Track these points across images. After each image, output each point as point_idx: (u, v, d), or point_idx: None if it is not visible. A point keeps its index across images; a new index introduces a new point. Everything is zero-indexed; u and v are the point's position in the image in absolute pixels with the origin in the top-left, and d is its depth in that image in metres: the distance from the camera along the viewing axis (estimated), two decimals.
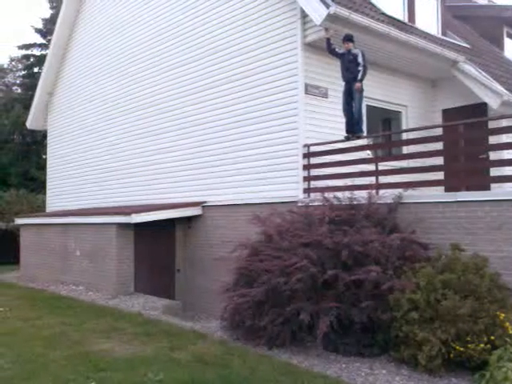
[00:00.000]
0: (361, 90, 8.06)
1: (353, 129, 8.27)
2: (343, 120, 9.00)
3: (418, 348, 5.38)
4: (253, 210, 8.45)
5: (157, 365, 5.40)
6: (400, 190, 7.07)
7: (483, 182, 7.65)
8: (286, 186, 8.67)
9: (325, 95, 8.92)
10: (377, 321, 5.80)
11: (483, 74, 9.94)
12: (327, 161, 8.34)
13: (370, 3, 9.55)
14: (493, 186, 7.65)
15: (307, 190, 8.44)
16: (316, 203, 7.60)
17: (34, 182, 26.21)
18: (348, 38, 8.05)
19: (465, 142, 7.34)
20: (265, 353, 6.05)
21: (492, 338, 5.22)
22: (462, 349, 5.21)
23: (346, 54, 8.10)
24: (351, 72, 8.03)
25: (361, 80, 7.96)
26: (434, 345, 5.22)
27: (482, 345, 5.17)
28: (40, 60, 27.86)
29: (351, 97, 8.13)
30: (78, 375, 5.12)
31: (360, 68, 7.93)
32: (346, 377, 5.30)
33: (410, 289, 5.65)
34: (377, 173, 7.81)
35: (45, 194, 16.98)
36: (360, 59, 7.93)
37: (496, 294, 5.46)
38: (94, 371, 5.24)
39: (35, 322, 7.63)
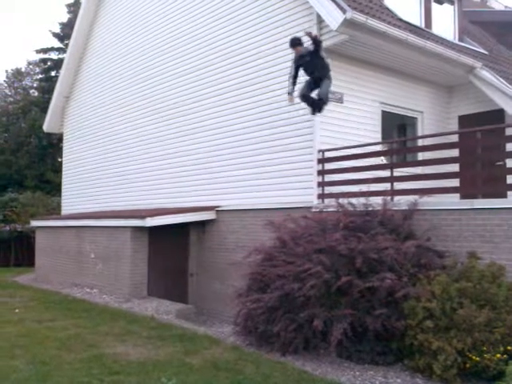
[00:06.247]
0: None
1: (319, 107, 7.74)
2: (358, 126, 9.01)
3: (433, 357, 5.32)
4: (267, 215, 8.46)
5: (170, 369, 5.42)
6: (415, 197, 7.02)
7: (500, 190, 7.55)
8: (300, 191, 8.65)
9: (340, 100, 8.89)
10: (391, 329, 5.75)
11: (501, 80, 9.84)
12: (342, 166, 8.31)
13: (387, 9, 9.51)
14: (509, 193, 7.55)
15: (321, 196, 8.41)
16: (330, 209, 7.57)
17: (50, 184, 26.48)
18: (297, 43, 7.56)
19: (481, 148, 7.26)
20: (278, 359, 6.02)
21: (509, 348, 5.16)
22: (477, 359, 5.14)
23: (303, 56, 7.55)
24: (319, 68, 7.55)
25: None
26: (450, 354, 5.16)
27: (498, 355, 5.11)
28: (57, 64, 28.19)
29: (317, 85, 7.63)
30: (92, 378, 5.15)
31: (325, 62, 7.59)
32: None
33: (425, 297, 5.59)
34: (392, 179, 7.76)
35: (60, 196, 17.16)
36: (320, 53, 7.49)
37: None
38: (108, 374, 5.27)
39: (50, 324, 7.70)
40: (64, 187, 16.40)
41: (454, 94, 11.02)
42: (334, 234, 6.39)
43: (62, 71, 16.23)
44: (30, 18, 53.59)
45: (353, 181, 8.08)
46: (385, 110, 9.69)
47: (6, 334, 7.03)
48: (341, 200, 7.30)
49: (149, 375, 5.23)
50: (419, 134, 10.40)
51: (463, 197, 8.34)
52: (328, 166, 8.45)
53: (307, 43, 7.65)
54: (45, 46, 29.71)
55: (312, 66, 7.54)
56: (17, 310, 8.91)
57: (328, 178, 8.45)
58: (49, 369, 5.47)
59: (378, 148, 8.98)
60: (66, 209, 16.08)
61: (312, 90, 7.72)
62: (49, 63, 30.19)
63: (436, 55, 9.29)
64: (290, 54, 8.84)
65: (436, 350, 5.27)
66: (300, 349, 6.14)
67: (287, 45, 8.91)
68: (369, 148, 8.48)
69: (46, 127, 16.91)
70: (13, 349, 6.27)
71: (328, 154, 8.45)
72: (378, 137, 9.43)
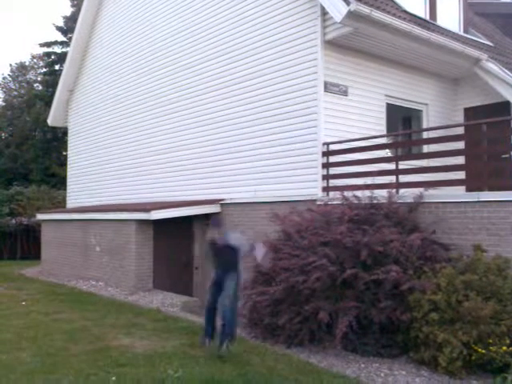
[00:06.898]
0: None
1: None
2: (362, 118, 8.98)
3: (438, 349, 5.33)
4: (272, 207, 8.46)
5: (176, 361, 5.45)
6: (421, 190, 7.00)
7: (506, 182, 7.52)
8: (304, 184, 8.64)
9: (344, 93, 8.86)
10: (396, 321, 5.76)
11: (506, 72, 9.77)
12: (346, 159, 8.30)
13: (392, 0, 9.44)
14: None
15: (326, 189, 8.40)
16: (335, 202, 7.55)
17: (55, 178, 26.54)
18: (217, 224, 6.40)
19: (487, 141, 7.23)
20: (283, 351, 6.05)
21: None
22: (483, 351, 5.14)
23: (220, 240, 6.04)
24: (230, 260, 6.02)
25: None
26: (455, 346, 5.17)
27: (504, 347, 5.10)
28: (61, 57, 28.15)
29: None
30: (99, 370, 5.19)
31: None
32: (364, 377, 5.27)
33: (431, 289, 5.59)
34: (397, 172, 7.74)
35: (65, 189, 17.21)
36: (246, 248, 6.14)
37: None
38: (114, 366, 5.31)
39: (56, 317, 7.76)
40: (69, 181, 16.44)
41: (459, 87, 10.96)
42: (339, 227, 6.39)
43: (66, 65, 16.21)
44: (34, 11, 53.57)
45: (358, 173, 8.06)
46: (390, 102, 9.65)
47: (14, 327, 7.09)
48: (346, 193, 7.29)
49: (155, 367, 5.26)
50: (424, 126, 10.36)
51: (469, 189, 8.31)
52: (332, 158, 8.43)
53: None
54: (48, 40, 29.71)
55: (223, 254, 6.04)
56: (24, 303, 8.98)
57: (333, 170, 8.43)
58: (55, 361, 5.52)
59: (383, 141, 8.95)
60: (71, 202, 16.12)
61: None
62: (52, 57, 30.14)
63: (441, 47, 9.23)
64: (296, 46, 8.85)
65: (441, 343, 5.27)
66: (305, 341, 6.16)
67: (291, 37, 8.95)
68: (374, 141, 8.45)
69: (50, 121, 16.93)
70: (20, 341, 6.32)
71: (332, 147, 8.43)
72: (383, 129, 9.40)
